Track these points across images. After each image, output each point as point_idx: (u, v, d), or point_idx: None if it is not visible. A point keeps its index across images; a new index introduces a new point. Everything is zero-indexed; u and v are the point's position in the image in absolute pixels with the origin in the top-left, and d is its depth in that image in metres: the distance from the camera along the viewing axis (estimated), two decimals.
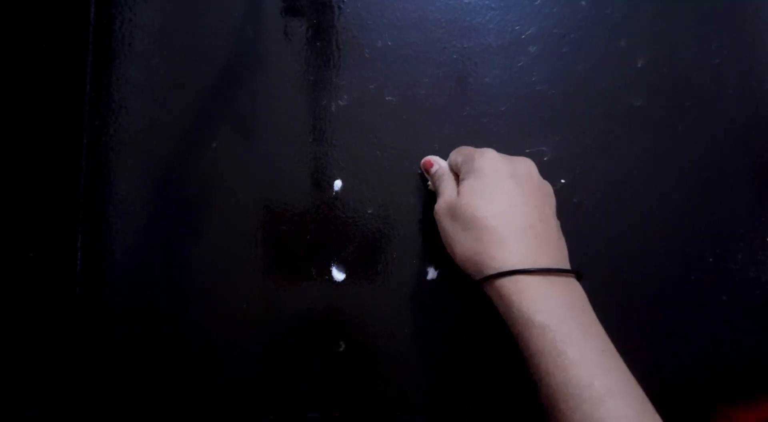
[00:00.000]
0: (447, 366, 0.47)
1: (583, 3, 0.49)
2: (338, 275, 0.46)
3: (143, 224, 0.46)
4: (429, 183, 0.46)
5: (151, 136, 0.46)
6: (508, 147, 0.47)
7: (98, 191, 0.46)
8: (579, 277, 0.37)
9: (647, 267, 0.48)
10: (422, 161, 0.46)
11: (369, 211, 0.47)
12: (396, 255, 0.47)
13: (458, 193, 0.39)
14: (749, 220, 0.49)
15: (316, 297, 0.46)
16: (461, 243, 0.38)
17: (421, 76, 0.48)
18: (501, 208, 0.37)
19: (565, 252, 0.39)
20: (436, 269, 0.47)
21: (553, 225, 0.39)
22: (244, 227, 0.46)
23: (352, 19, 0.48)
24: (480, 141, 0.47)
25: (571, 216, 0.47)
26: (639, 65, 0.49)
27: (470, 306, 0.47)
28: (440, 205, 0.40)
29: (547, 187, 0.41)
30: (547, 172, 0.47)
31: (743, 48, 0.50)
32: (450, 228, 0.39)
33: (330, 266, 0.47)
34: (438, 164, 0.44)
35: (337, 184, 0.47)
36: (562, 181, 0.48)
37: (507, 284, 0.35)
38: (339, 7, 0.48)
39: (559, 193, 0.47)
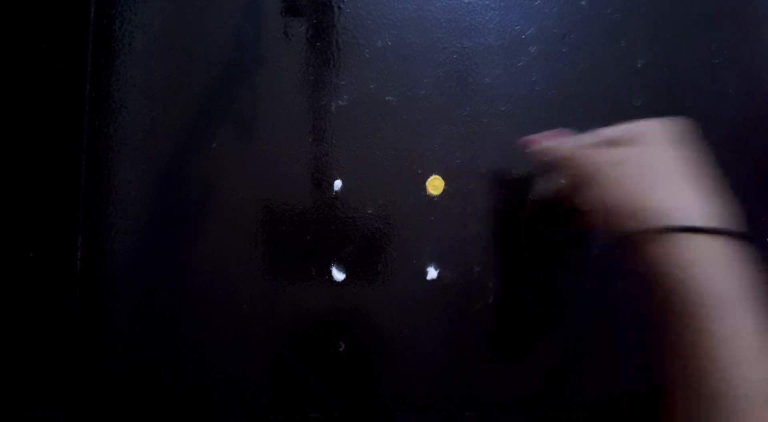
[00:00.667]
0: (447, 366, 0.47)
1: (583, 3, 0.49)
2: (338, 275, 0.46)
3: (143, 224, 0.46)
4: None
5: (151, 136, 0.46)
6: (508, 147, 0.48)
7: (98, 191, 0.46)
8: (751, 244, 0.32)
9: None
10: (522, 140, 0.41)
11: (369, 211, 0.47)
12: (396, 255, 0.47)
13: (626, 146, 0.35)
14: (749, 220, 0.49)
15: (316, 297, 0.46)
16: (628, 187, 0.33)
17: (421, 76, 0.48)
18: (679, 162, 0.33)
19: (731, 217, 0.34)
20: (436, 269, 0.47)
21: (723, 190, 0.34)
22: (244, 227, 0.46)
23: (352, 19, 0.48)
24: (480, 141, 0.47)
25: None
26: (639, 65, 0.49)
27: (469, 306, 0.47)
28: (592, 153, 0.35)
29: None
30: None
31: (743, 48, 0.50)
32: (612, 174, 0.34)
33: (330, 266, 0.47)
34: (541, 137, 0.40)
35: (337, 184, 0.47)
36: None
37: (685, 243, 0.30)
38: (339, 7, 0.48)
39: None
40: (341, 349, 0.46)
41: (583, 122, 0.48)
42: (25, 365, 0.45)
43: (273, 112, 0.47)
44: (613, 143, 0.36)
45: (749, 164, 0.49)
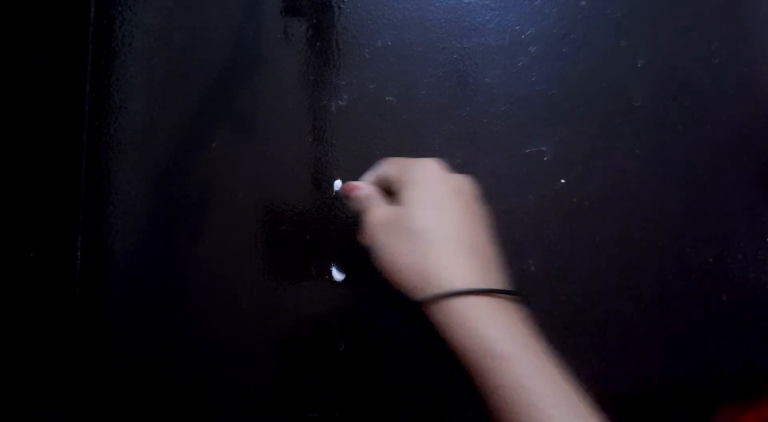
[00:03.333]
0: (446, 366, 0.47)
1: (583, 3, 0.49)
2: (338, 275, 0.46)
3: (143, 224, 0.46)
4: (336, 190, 0.44)
5: (151, 136, 0.46)
6: (508, 147, 0.48)
7: (98, 191, 0.46)
8: (527, 303, 0.34)
9: (647, 267, 0.48)
10: (342, 187, 0.43)
11: None
12: None
13: (398, 203, 0.36)
14: (749, 220, 0.49)
15: (316, 297, 0.46)
16: (402, 257, 0.34)
17: (421, 76, 0.48)
18: (448, 222, 0.34)
19: (506, 277, 0.36)
20: None
21: (494, 248, 0.36)
22: (244, 227, 0.46)
23: (352, 19, 0.48)
24: (480, 141, 0.47)
25: (571, 216, 0.47)
26: (639, 65, 0.49)
27: None
28: (372, 218, 0.37)
29: (486, 211, 0.38)
30: (547, 172, 0.48)
31: (743, 48, 0.50)
32: (386, 241, 0.35)
33: (330, 266, 0.47)
34: (359, 186, 0.40)
35: (337, 184, 0.47)
36: (562, 181, 0.48)
37: (459, 307, 0.32)
38: (339, 7, 0.48)
39: (559, 193, 0.48)
40: (341, 349, 0.46)
41: (583, 122, 0.48)
42: (25, 365, 0.45)
43: (273, 112, 0.47)
44: (391, 187, 0.38)
45: (749, 164, 0.49)
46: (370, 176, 0.41)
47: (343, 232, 0.47)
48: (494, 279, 0.34)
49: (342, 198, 0.43)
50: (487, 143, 0.47)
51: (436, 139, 0.47)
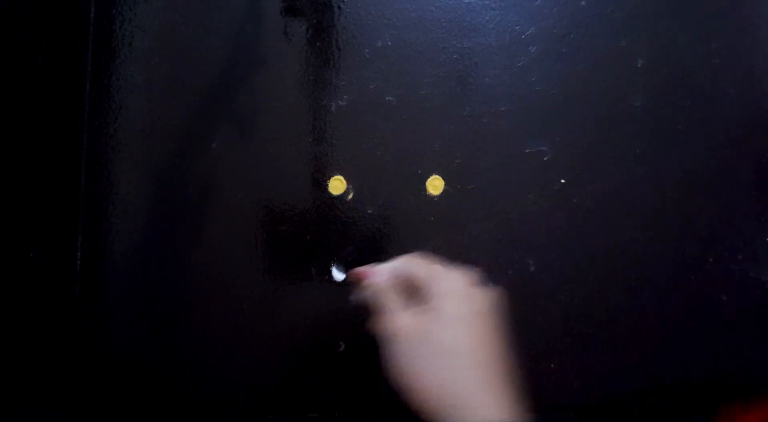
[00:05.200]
0: None
1: (583, 3, 0.49)
2: (338, 275, 0.46)
3: (143, 224, 0.46)
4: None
5: (151, 136, 0.46)
6: (508, 147, 0.48)
7: (98, 191, 0.46)
8: None
9: (647, 267, 0.48)
10: (353, 272, 0.39)
11: (369, 211, 0.47)
12: (396, 256, 0.47)
13: (424, 314, 0.34)
14: (749, 220, 0.49)
15: (316, 297, 0.46)
16: (428, 378, 0.33)
17: (421, 76, 0.48)
18: (476, 345, 0.33)
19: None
20: None
21: (511, 365, 0.35)
22: (244, 227, 0.46)
23: (352, 19, 0.48)
24: (480, 141, 0.47)
25: (571, 216, 0.48)
26: (639, 65, 0.49)
27: None
28: (395, 324, 0.34)
29: (505, 327, 0.36)
30: (547, 172, 0.48)
31: (743, 48, 0.50)
32: (411, 355, 0.33)
33: (330, 266, 0.47)
34: (374, 274, 0.38)
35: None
36: (562, 181, 0.48)
37: None
38: (339, 7, 0.48)
39: (559, 193, 0.48)
40: (341, 349, 0.46)
41: (583, 122, 0.48)
42: (24, 365, 0.45)
43: (273, 112, 0.47)
44: (414, 290, 0.36)
45: (749, 164, 0.49)
46: (389, 269, 0.38)
47: (343, 232, 0.47)
48: (517, 412, 0.32)
49: (352, 282, 0.40)
50: (487, 143, 0.47)
51: (436, 139, 0.47)
